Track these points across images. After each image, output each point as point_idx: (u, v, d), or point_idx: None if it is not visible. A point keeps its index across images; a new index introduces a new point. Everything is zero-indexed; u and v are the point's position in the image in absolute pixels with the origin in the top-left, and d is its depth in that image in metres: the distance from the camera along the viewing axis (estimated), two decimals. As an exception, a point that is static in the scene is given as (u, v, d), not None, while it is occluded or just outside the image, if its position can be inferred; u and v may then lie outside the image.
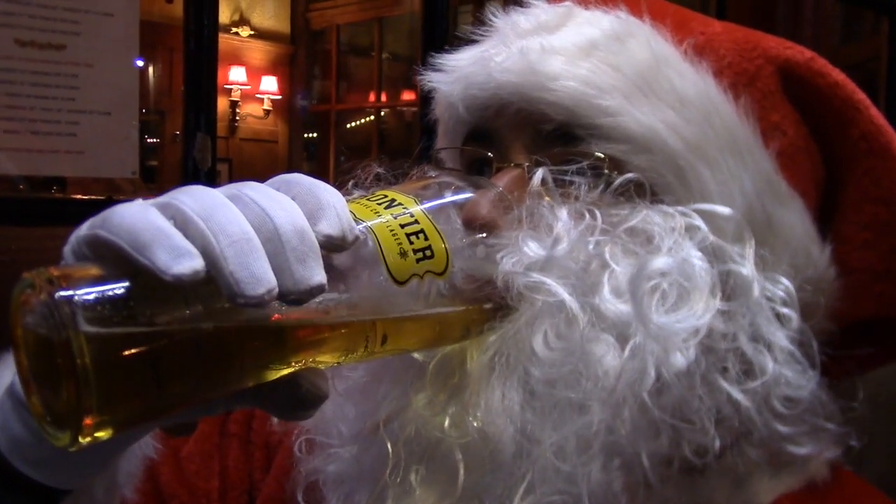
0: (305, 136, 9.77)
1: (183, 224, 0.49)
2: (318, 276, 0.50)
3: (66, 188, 2.36)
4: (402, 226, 0.59)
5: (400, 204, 0.61)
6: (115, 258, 0.49)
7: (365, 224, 0.58)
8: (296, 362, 0.55)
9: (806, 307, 0.69)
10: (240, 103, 8.68)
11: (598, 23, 0.74)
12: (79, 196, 2.29)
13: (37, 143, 1.90)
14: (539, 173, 0.68)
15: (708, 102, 0.71)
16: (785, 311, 0.67)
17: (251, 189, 0.52)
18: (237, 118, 8.69)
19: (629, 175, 0.68)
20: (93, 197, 2.19)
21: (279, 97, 9.08)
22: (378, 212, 0.60)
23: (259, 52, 8.89)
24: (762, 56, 0.75)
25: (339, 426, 0.73)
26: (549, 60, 0.71)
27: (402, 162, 0.76)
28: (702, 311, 0.62)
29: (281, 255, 0.49)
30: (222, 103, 8.27)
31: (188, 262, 0.47)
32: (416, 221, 0.60)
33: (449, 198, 0.66)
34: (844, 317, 0.75)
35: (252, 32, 8.80)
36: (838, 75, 0.76)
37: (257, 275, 0.48)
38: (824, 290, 0.74)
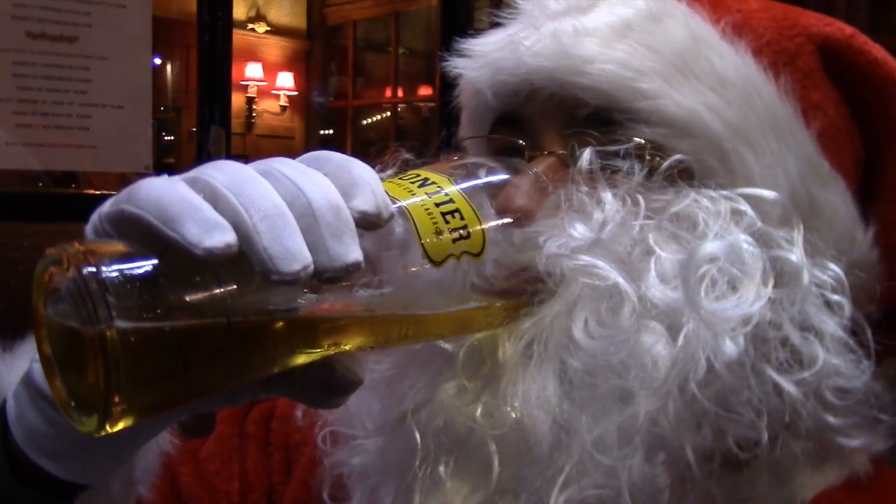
0: (322, 132, 9.78)
1: (213, 198, 0.46)
2: (355, 252, 0.47)
3: (80, 183, 2.34)
4: (438, 204, 0.57)
5: (434, 183, 0.59)
6: (141, 235, 0.46)
7: (399, 203, 0.55)
8: (328, 346, 0.52)
9: (854, 292, 0.66)
10: (256, 99, 8.69)
11: (632, 2, 0.71)
12: (91, 191, 2.27)
13: (49, 136, 1.87)
14: (586, 153, 0.65)
15: (748, 83, 0.69)
16: (835, 298, 0.64)
17: (282, 164, 0.50)
18: (254, 114, 8.71)
19: (676, 157, 0.65)
20: (105, 192, 2.16)
21: (295, 93, 9.09)
22: (412, 191, 0.58)
23: (275, 48, 8.90)
24: (802, 34, 0.73)
25: (363, 420, 0.71)
26: (583, 43, 0.68)
27: (422, 153, 0.73)
28: (753, 299, 0.59)
29: (315, 230, 0.47)
30: (239, 100, 8.29)
31: (220, 236, 0.44)
32: (452, 200, 0.58)
33: (484, 178, 0.63)
34: (884, 301, 0.72)
35: (268, 28, 8.81)
36: (879, 52, 0.73)
37: (292, 250, 0.45)
38: (868, 273, 0.71)
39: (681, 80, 0.67)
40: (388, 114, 9.69)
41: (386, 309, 0.54)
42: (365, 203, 0.50)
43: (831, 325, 0.63)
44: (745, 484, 0.65)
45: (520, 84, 0.70)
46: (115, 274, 0.44)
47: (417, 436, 0.63)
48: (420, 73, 9.13)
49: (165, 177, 0.48)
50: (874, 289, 0.72)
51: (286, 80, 8.99)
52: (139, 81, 2.02)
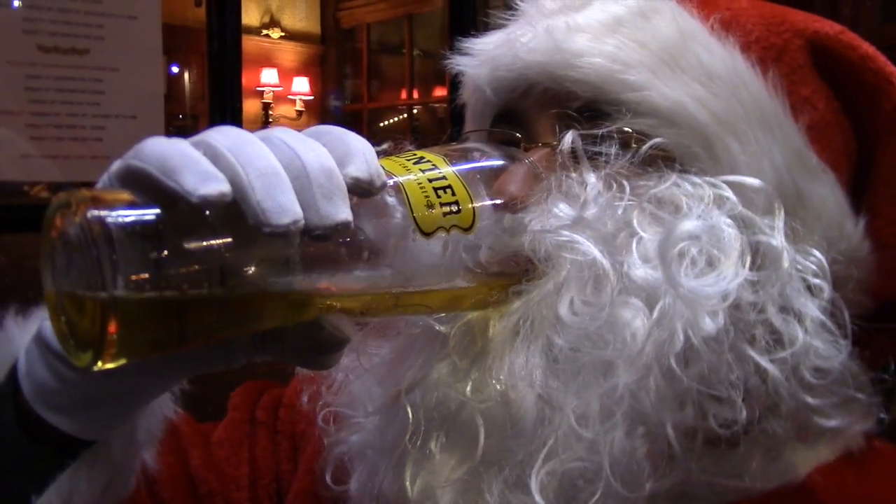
0: (339, 136, 9.76)
1: (213, 157, 0.50)
2: (344, 213, 0.51)
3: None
4: (430, 180, 0.60)
5: (429, 161, 0.62)
6: (146, 188, 0.49)
7: (395, 178, 0.59)
8: (318, 305, 0.55)
9: (838, 280, 0.68)
10: (272, 105, 8.72)
11: (623, 0, 0.74)
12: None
13: (63, 148, 1.90)
14: (569, 136, 0.68)
15: (735, 77, 0.70)
16: (816, 281, 0.65)
17: (282, 132, 0.53)
18: (270, 120, 8.74)
19: (657, 140, 0.67)
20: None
21: (311, 98, 9.11)
22: (407, 167, 0.61)
23: (290, 53, 8.93)
24: (790, 30, 0.74)
25: (364, 404, 0.74)
26: (575, 38, 0.71)
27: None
28: (731, 276, 0.61)
29: (308, 190, 0.50)
30: (255, 106, 8.32)
31: (215, 185, 0.48)
32: (445, 178, 0.61)
33: (479, 162, 0.66)
34: (879, 293, 0.74)
35: (283, 34, 8.84)
36: (869, 48, 0.74)
37: (284, 205, 0.48)
38: (858, 264, 0.72)
39: (667, 73, 0.69)
40: (405, 116, 9.69)
41: (376, 278, 0.57)
42: (358, 170, 0.53)
43: (811, 308, 0.64)
44: (735, 460, 0.67)
45: (516, 79, 0.73)
46: (119, 220, 0.47)
47: (410, 412, 0.65)
48: (435, 74, 9.13)
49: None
50: (865, 279, 0.72)
51: (302, 84, 9.02)
52: (151, 91, 2.05)
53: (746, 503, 0.68)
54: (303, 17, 9.11)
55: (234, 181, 0.48)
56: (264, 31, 8.61)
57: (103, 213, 0.47)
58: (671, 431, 0.59)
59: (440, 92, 8.90)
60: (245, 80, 2.29)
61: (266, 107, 8.64)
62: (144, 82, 2.02)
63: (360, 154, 0.53)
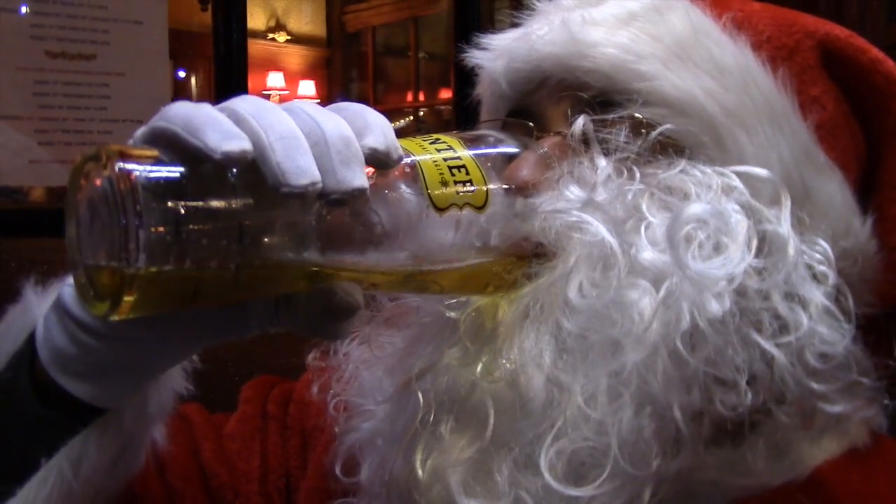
0: (345, 138, 9.77)
1: (236, 120, 0.51)
2: (360, 179, 0.52)
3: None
4: (446, 159, 0.61)
5: (445, 142, 0.63)
6: (171, 148, 0.51)
7: (412, 156, 0.60)
8: (333, 273, 0.57)
9: (850, 279, 0.69)
10: (279, 109, 8.73)
11: None
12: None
13: (71, 153, 1.91)
14: (580, 121, 0.69)
15: (746, 73, 0.71)
16: (821, 269, 0.66)
17: (304, 104, 0.55)
18: (276, 123, 8.74)
19: (666, 126, 0.68)
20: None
21: (317, 101, 9.11)
22: (424, 147, 0.62)
23: (296, 56, 8.95)
24: (801, 31, 0.75)
25: (374, 394, 0.75)
26: (590, 30, 0.72)
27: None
28: (738, 260, 0.62)
29: (326, 156, 0.51)
30: (261, 109, 8.32)
31: (237, 143, 0.49)
32: (459, 158, 0.62)
33: (494, 148, 0.67)
34: (885, 294, 0.74)
35: (289, 38, 8.86)
36: (878, 52, 0.76)
37: (302, 167, 0.50)
38: (865, 262, 0.73)
39: (679, 65, 0.70)
40: (411, 118, 9.69)
41: (388, 251, 0.58)
42: (376, 141, 0.54)
43: (816, 294, 0.65)
44: (741, 456, 0.67)
45: (532, 72, 0.75)
46: (144, 174, 0.49)
47: (421, 397, 0.67)
48: (440, 76, 9.13)
49: None
50: (873, 279, 0.73)
51: (308, 88, 9.03)
52: (158, 96, 2.05)
53: (752, 500, 0.68)
54: (308, 21, 9.13)
55: (256, 143, 0.50)
56: (270, 35, 8.63)
57: (130, 166, 0.48)
58: (678, 413, 0.60)
59: (446, 94, 8.90)
60: (251, 83, 2.30)
61: (272, 110, 8.64)
62: (151, 87, 2.03)
63: (378, 127, 0.55)
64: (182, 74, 7.00)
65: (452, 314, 0.67)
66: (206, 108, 0.51)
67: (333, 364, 0.81)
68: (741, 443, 0.67)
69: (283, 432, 0.91)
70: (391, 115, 9.87)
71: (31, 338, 0.64)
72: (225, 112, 0.52)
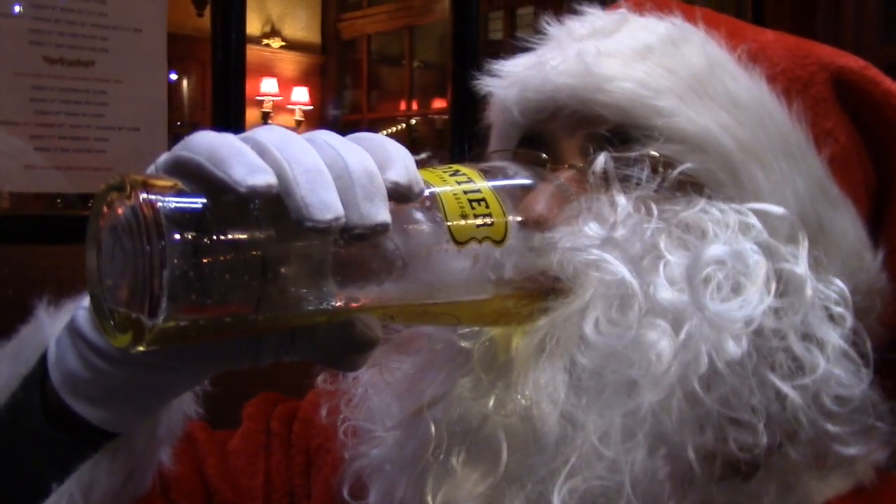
0: (337, 145, 9.76)
1: (260, 152, 0.51)
2: (384, 214, 0.51)
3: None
4: (466, 192, 0.61)
5: (465, 174, 0.63)
6: (194, 178, 0.50)
7: (432, 188, 0.60)
8: (353, 306, 0.57)
9: (859, 311, 0.68)
10: (272, 114, 8.72)
11: (654, 28, 0.75)
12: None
13: (66, 159, 1.90)
14: (601, 157, 0.68)
15: (761, 107, 0.71)
16: (838, 310, 0.66)
17: (326, 134, 0.54)
18: (269, 129, 8.71)
19: (685, 165, 0.68)
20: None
21: (311, 108, 9.11)
22: (444, 179, 0.62)
23: (290, 62, 8.94)
24: (816, 63, 0.75)
25: (384, 420, 0.74)
26: (605, 63, 0.71)
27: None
28: (756, 302, 0.61)
29: (350, 190, 0.51)
30: (254, 115, 8.32)
31: (263, 176, 0.48)
32: (479, 191, 0.62)
33: (513, 180, 0.67)
34: (893, 327, 0.74)
35: (283, 44, 8.85)
36: (892, 84, 0.76)
37: (326, 202, 0.49)
38: (877, 295, 0.73)
39: (695, 100, 0.70)
40: (404, 126, 9.70)
41: (407, 284, 0.57)
42: (398, 175, 0.54)
43: (833, 336, 0.64)
44: (751, 491, 0.67)
45: (545, 102, 0.74)
46: (168, 206, 0.48)
47: (433, 428, 0.66)
48: (434, 85, 9.15)
49: None
50: (884, 311, 0.73)
51: (301, 94, 9.02)
52: (155, 105, 2.05)
53: None
54: (303, 27, 9.13)
55: (280, 176, 0.49)
56: (265, 41, 8.62)
57: (154, 197, 0.48)
58: (692, 454, 0.60)
59: (439, 103, 8.91)
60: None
61: (265, 116, 8.64)
62: (148, 93, 2.02)
63: (400, 160, 0.54)
64: (174, 77, 6.99)
65: (465, 344, 0.67)
66: (230, 139, 0.51)
67: (342, 387, 0.81)
68: (751, 476, 0.67)
69: (287, 450, 0.90)
70: (384, 123, 9.87)
71: (43, 359, 0.64)
72: (249, 143, 0.51)
